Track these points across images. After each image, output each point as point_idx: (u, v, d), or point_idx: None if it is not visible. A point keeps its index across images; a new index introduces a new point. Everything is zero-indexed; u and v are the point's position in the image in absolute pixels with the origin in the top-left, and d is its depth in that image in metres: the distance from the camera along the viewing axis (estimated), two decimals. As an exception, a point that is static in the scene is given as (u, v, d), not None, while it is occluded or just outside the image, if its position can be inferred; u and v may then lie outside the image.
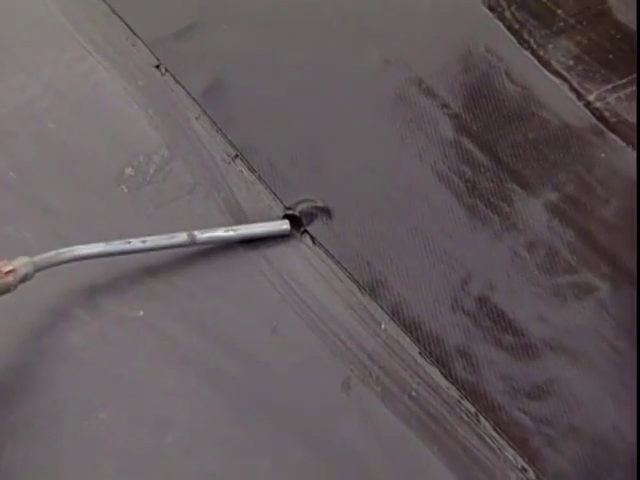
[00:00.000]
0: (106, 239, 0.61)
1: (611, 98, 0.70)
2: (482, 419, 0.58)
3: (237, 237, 0.62)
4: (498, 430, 0.58)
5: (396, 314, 0.62)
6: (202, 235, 0.61)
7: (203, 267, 0.63)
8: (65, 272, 0.60)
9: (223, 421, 0.58)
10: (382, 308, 0.62)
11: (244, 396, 0.59)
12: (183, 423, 0.57)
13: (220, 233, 0.62)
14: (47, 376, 0.59)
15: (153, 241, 0.60)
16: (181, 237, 0.61)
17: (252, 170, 0.67)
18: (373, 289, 0.62)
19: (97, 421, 0.57)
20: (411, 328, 0.61)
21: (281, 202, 0.66)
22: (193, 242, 0.61)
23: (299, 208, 0.65)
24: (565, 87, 0.71)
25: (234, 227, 0.62)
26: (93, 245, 0.59)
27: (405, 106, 0.70)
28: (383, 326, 0.61)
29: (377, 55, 0.73)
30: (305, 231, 0.65)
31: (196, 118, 0.70)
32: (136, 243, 0.60)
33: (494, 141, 0.68)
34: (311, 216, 0.65)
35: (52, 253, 0.58)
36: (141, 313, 0.61)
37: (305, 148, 0.68)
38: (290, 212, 0.65)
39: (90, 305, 0.61)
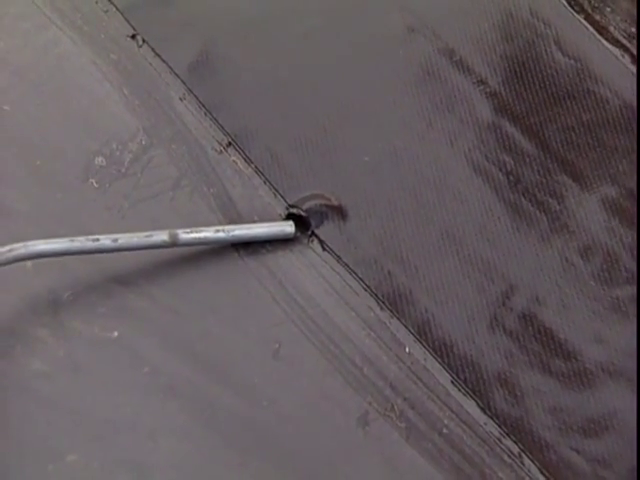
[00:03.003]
0: (72, 243, 0.61)
1: (682, 72, 0.70)
2: (527, 460, 0.58)
3: (230, 239, 0.62)
4: (546, 473, 0.58)
5: (423, 334, 0.61)
6: (187, 235, 0.61)
7: (189, 277, 0.63)
8: (23, 284, 0.60)
9: (217, 465, 0.58)
10: (406, 327, 0.62)
11: (242, 435, 0.58)
12: (167, 468, 0.57)
13: (209, 234, 0.61)
14: (4, 412, 0.58)
15: (126, 239, 0.59)
16: (160, 236, 0.60)
17: (248, 161, 0.67)
18: (395, 304, 0.62)
19: (64, 465, 0.57)
20: (441, 351, 0.61)
21: (283, 199, 0.65)
22: (174, 243, 0.60)
23: (305, 206, 0.65)
24: (626, 58, 0.70)
25: (226, 227, 0.62)
26: (53, 241, 0.59)
27: (434, 83, 0.70)
28: (407, 349, 0.61)
29: (399, 21, 0.72)
30: (313, 234, 0.64)
31: (180, 98, 0.69)
32: (105, 241, 0.59)
33: (541, 124, 0.68)
34: (320, 216, 0.65)
35: (4, 249, 0.57)
36: (115, 334, 0.61)
37: (312, 134, 0.68)
38: (294, 211, 0.64)
39: (54, 324, 0.61)
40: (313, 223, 0.64)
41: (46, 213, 0.64)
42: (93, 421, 0.58)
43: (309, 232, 0.64)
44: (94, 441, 0.57)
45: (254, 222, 0.64)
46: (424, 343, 0.61)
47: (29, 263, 0.62)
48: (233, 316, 0.61)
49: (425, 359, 0.61)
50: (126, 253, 0.62)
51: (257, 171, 0.67)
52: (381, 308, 0.62)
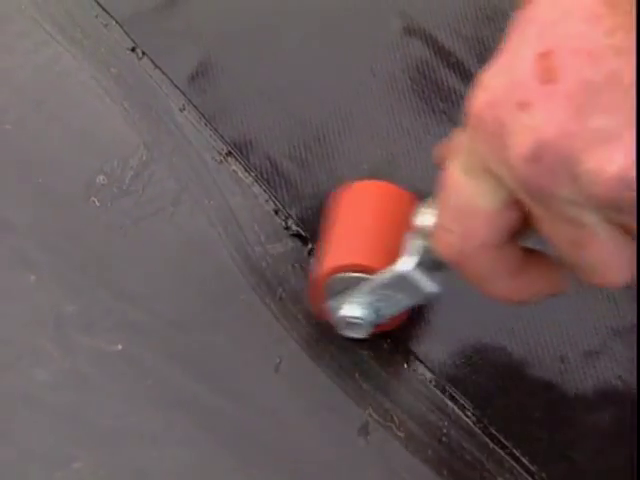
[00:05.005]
0: (76, 258, 0.61)
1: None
2: (526, 464, 0.58)
3: None
4: (544, 476, 0.57)
5: (421, 351, 0.61)
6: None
7: (191, 293, 0.63)
8: (26, 296, 0.60)
9: (218, 473, 0.58)
10: (404, 344, 0.62)
11: (245, 444, 0.58)
12: (169, 475, 0.57)
13: None
14: (9, 421, 0.59)
15: None
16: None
17: (248, 169, 0.67)
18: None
19: (71, 472, 0.57)
20: (438, 363, 0.61)
21: (283, 208, 0.66)
22: None
23: (305, 217, 0.65)
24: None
25: None
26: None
27: (431, 87, 0.70)
28: (405, 365, 0.61)
29: (397, 24, 0.72)
30: (312, 251, 0.64)
31: (180, 109, 0.70)
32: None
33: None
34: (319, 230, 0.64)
35: None
36: (119, 347, 0.61)
37: (311, 141, 0.68)
38: (294, 231, 0.65)
39: (58, 337, 0.61)
40: (311, 239, 0.64)
41: (48, 230, 0.64)
42: (98, 430, 0.58)
43: (308, 247, 0.64)
44: (100, 449, 0.58)
45: (254, 232, 0.64)
46: (421, 358, 0.61)
47: (32, 276, 0.63)
48: (235, 331, 0.62)
49: (423, 373, 0.61)
50: (128, 269, 0.62)
51: (257, 179, 0.67)
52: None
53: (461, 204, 0.47)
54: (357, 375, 0.61)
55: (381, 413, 0.60)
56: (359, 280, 0.57)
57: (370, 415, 0.59)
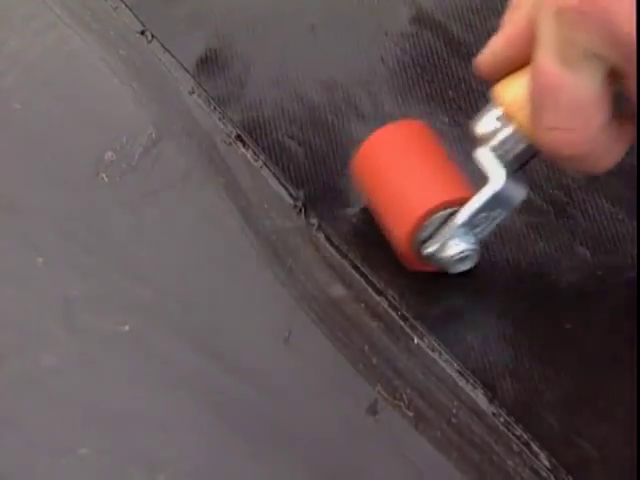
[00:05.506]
0: (84, 239, 0.61)
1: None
2: (535, 448, 0.57)
3: None
4: (554, 460, 0.57)
5: (432, 327, 0.61)
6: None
7: (199, 269, 0.62)
8: (33, 279, 0.60)
9: (229, 455, 0.57)
10: (414, 319, 0.61)
11: (253, 425, 0.58)
12: (179, 459, 0.57)
13: None
14: (15, 405, 0.58)
15: None
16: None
17: (257, 152, 0.67)
18: (403, 294, 0.62)
19: (76, 458, 0.57)
20: (449, 343, 0.61)
21: (292, 189, 0.66)
22: None
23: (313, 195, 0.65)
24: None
25: None
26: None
27: (440, 76, 0.70)
28: (416, 341, 0.61)
29: (407, 12, 0.72)
30: (320, 225, 0.64)
31: (189, 92, 0.70)
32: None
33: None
34: (327, 205, 0.65)
35: None
36: (126, 328, 0.60)
37: (319, 126, 0.68)
38: (300, 203, 0.65)
39: (65, 319, 0.61)
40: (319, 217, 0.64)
41: (57, 209, 0.64)
42: (105, 414, 0.58)
43: (316, 224, 0.64)
44: (106, 434, 0.57)
45: (264, 209, 0.64)
46: (432, 335, 0.60)
47: (40, 258, 0.62)
48: (244, 305, 0.61)
49: (433, 350, 0.60)
50: (136, 246, 0.62)
51: (265, 163, 0.67)
52: (389, 302, 0.61)
53: (572, 98, 0.49)
54: (367, 348, 0.60)
55: (390, 391, 0.59)
56: (449, 217, 0.57)
57: (379, 392, 0.59)
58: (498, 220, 0.57)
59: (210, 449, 0.58)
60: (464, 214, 0.56)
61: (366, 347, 0.61)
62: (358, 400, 0.59)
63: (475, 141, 0.57)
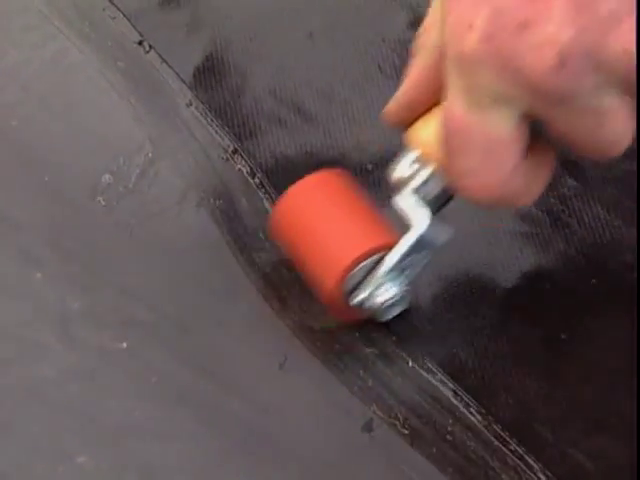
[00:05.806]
0: (81, 258, 0.61)
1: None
2: (530, 461, 0.58)
3: None
4: (549, 473, 0.57)
5: (426, 349, 0.61)
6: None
7: (195, 292, 0.63)
8: (32, 292, 0.61)
9: (223, 469, 0.58)
10: (408, 341, 0.61)
11: (250, 440, 0.58)
12: (174, 471, 0.57)
13: None
14: (13, 415, 0.58)
15: None
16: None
17: (254, 169, 0.67)
18: (398, 324, 0.62)
19: (74, 466, 0.57)
20: (443, 362, 0.61)
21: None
22: None
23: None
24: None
25: None
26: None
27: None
28: (410, 363, 0.61)
29: (404, 17, 0.72)
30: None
31: (187, 105, 0.70)
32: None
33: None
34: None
35: None
36: (124, 345, 0.61)
37: (318, 139, 0.68)
38: None
39: (63, 333, 0.61)
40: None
41: (54, 228, 0.64)
42: (103, 425, 0.58)
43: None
44: (104, 444, 0.58)
45: (259, 239, 0.64)
46: (427, 357, 0.61)
47: (38, 273, 0.63)
48: (239, 331, 0.62)
49: (428, 372, 0.61)
50: (134, 267, 0.63)
51: (262, 182, 0.67)
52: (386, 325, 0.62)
53: (482, 142, 0.47)
54: (361, 372, 0.61)
55: (385, 410, 0.60)
56: (376, 263, 0.56)
57: (374, 412, 0.59)
58: (426, 261, 0.57)
59: (205, 462, 0.58)
60: (391, 260, 0.55)
61: (361, 371, 0.61)
62: (354, 418, 0.59)
63: (393, 188, 0.56)
